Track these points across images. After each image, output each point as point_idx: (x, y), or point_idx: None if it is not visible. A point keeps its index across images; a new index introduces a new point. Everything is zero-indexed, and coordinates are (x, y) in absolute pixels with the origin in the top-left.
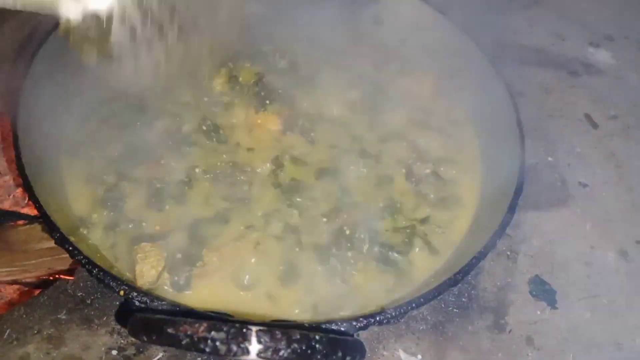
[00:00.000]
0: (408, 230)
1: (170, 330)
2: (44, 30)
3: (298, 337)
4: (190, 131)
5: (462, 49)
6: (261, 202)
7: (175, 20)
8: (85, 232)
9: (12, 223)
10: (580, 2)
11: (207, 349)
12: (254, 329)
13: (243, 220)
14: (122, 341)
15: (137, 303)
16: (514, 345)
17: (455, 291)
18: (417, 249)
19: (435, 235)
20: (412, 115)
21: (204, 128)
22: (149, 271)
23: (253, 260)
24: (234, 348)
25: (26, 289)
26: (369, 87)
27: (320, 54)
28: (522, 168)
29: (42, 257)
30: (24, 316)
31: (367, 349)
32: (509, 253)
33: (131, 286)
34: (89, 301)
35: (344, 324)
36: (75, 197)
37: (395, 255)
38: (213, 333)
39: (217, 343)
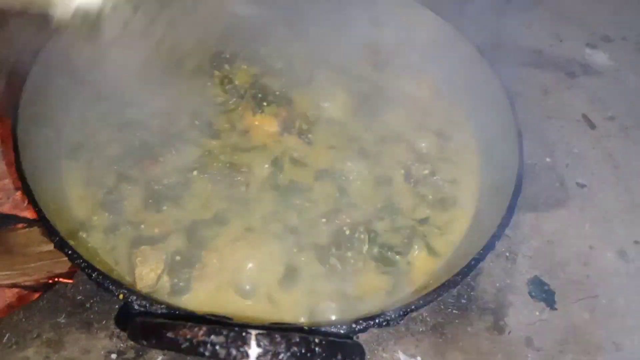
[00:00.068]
0: (407, 231)
1: (169, 335)
2: (43, 34)
3: (297, 340)
4: (187, 132)
5: (460, 50)
6: (260, 204)
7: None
8: (84, 235)
9: (12, 226)
10: (577, 3)
11: (207, 353)
12: (254, 332)
13: (242, 222)
14: (122, 345)
15: (136, 307)
16: (514, 347)
17: (455, 292)
18: (416, 250)
19: (434, 236)
20: (410, 116)
21: (201, 129)
22: (148, 274)
23: (252, 261)
24: (234, 352)
25: (25, 292)
26: (367, 88)
27: (317, 55)
28: (520, 169)
29: (41, 261)
30: (23, 320)
31: (366, 351)
32: (508, 254)
33: (130, 290)
34: (88, 305)
35: (344, 327)
36: (75, 200)
37: (395, 256)
38: (212, 337)
39: (217, 347)
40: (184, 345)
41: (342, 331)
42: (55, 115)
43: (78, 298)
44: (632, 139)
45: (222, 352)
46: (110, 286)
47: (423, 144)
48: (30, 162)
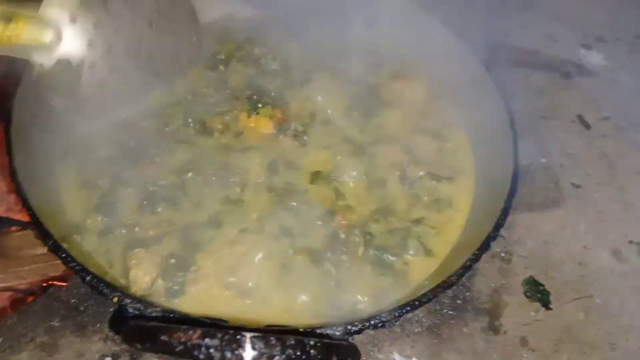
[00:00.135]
0: (402, 232)
1: (163, 338)
2: None
3: (292, 342)
4: (182, 133)
5: (455, 51)
6: (255, 206)
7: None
8: (79, 238)
9: (6, 229)
10: (572, 4)
11: (201, 356)
12: (248, 335)
13: (237, 224)
14: (116, 348)
15: (130, 310)
16: (509, 347)
17: (450, 293)
18: (411, 251)
19: (430, 237)
20: (406, 118)
21: (196, 130)
22: (142, 277)
23: (247, 264)
24: (228, 355)
25: (19, 296)
26: (362, 90)
27: (313, 56)
28: (515, 169)
29: (36, 263)
30: (17, 324)
31: (362, 353)
32: (503, 254)
33: (125, 293)
34: (82, 308)
35: (339, 328)
36: (70, 202)
37: (390, 257)
38: (207, 340)
39: (211, 350)
40: (178, 349)
41: (337, 333)
42: (49, 118)
43: (72, 301)
44: (627, 139)
45: (216, 355)
46: (104, 289)
47: (418, 146)
48: (23, 165)
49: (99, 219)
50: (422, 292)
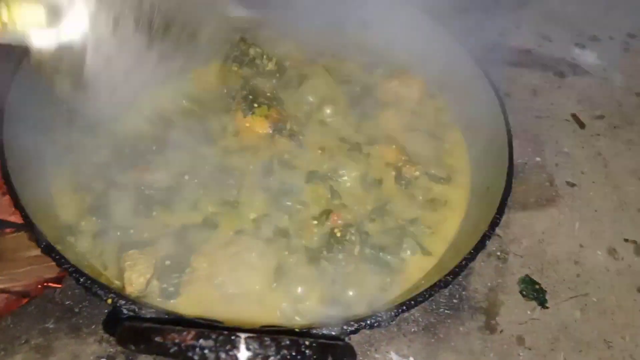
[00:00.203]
0: (398, 231)
1: (158, 339)
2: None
3: (287, 343)
4: (177, 135)
5: (450, 51)
6: (251, 207)
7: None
8: (73, 240)
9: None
10: (565, 3)
11: (196, 357)
12: (243, 336)
13: (232, 225)
14: (111, 350)
15: (125, 311)
16: (505, 346)
17: (446, 292)
18: (407, 250)
19: (425, 236)
20: (401, 117)
21: (192, 132)
22: (137, 279)
23: (243, 265)
24: (222, 355)
25: (14, 298)
26: (358, 90)
27: (308, 56)
28: (510, 168)
29: (30, 265)
30: (12, 326)
31: (358, 353)
32: (499, 253)
33: (119, 294)
34: (77, 310)
35: (335, 328)
36: (63, 204)
37: (386, 256)
38: (201, 341)
39: (206, 351)
40: (172, 350)
41: (333, 333)
42: (43, 119)
43: (67, 303)
44: (621, 138)
45: (210, 356)
46: (99, 291)
47: (413, 145)
48: (17, 167)
49: (93, 221)
50: (419, 291)
